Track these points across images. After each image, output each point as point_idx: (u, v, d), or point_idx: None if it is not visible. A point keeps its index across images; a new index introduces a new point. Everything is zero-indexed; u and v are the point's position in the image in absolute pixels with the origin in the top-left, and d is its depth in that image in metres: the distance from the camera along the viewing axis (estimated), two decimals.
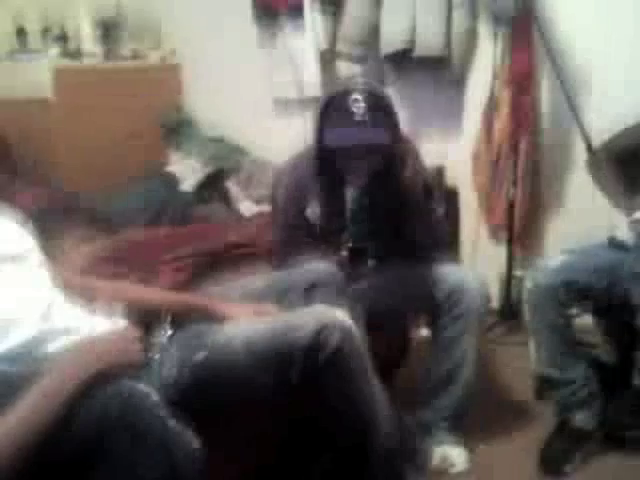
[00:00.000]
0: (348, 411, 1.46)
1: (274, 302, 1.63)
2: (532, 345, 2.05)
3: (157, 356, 1.46)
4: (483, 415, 2.16)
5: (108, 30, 3.44)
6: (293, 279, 1.72)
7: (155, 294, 1.66)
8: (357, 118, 1.82)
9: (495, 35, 2.82)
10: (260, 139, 3.35)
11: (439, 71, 2.90)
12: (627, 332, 1.98)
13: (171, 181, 3.22)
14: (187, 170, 3.28)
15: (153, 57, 3.60)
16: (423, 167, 2.00)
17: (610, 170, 2.21)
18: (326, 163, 1.93)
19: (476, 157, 2.93)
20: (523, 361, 2.27)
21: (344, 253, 2.00)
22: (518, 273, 2.84)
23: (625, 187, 2.17)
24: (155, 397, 1.22)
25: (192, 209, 3.06)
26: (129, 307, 1.51)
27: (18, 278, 1.39)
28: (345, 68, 3.10)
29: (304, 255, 1.91)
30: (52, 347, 1.33)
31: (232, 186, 3.19)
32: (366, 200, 2.01)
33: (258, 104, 3.40)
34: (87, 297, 1.50)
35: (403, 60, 2.89)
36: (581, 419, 2.01)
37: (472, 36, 2.89)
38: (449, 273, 1.98)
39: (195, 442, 1.24)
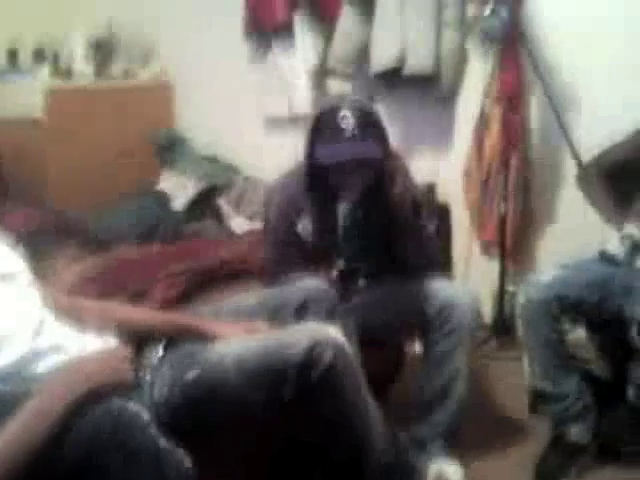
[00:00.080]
0: (342, 428, 1.45)
1: (266, 319, 1.62)
2: (525, 360, 2.05)
3: (148, 376, 1.45)
4: (477, 430, 2.15)
5: (100, 49, 3.45)
6: (285, 296, 1.71)
7: (144, 315, 1.64)
8: (347, 134, 1.83)
9: (485, 53, 2.85)
10: (251, 157, 3.37)
11: (429, 89, 2.92)
12: (620, 347, 1.98)
13: (162, 199, 3.22)
14: (178, 188, 3.29)
15: (144, 76, 3.62)
16: (413, 184, 2.01)
17: (600, 185, 2.22)
18: (317, 180, 1.94)
19: (467, 174, 2.95)
20: (516, 376, 2.26)
21: (335, 274, 2.00)
22: (510, 288, 2.85)
23: (615, 202, 2.19)
24: (146, 416, 1.21)
25: (184, 226, 3.06)
26: (119, 327, 1.50)
27: (8, 296, 1.38)
28: (335, 86, 3.13)
29: (296, 272, 1.91)
30: (42, 366, 1.32)
31: (224, 204, 3.19)
32: (358, 216, 2.02)
33: (249, 122, 3.41)
34: (76, 317, 1.49)
35: (393, 77, 2.91)
36: (576, 433, 2.00)
37: (462, 54, 2.92)
38: (440, 289, 1.98)
39: (186, 461, 1.23)
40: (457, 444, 1.99)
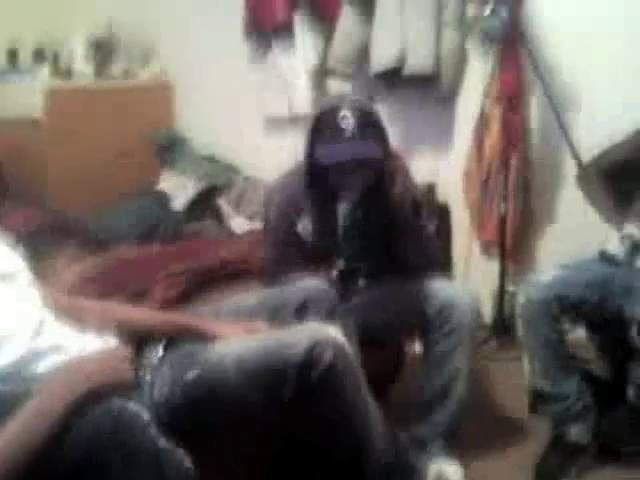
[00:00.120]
0: (342, 428, 1.45)
1: (266, 320, 1.62)
2: (525, 360, 2.05)
3: (148, 376, 1.45)
4: (477, 430, 2.15)
5: (100, 49, 3.45)
6: (285, 296, 1.71)
7: (144, 315, 1.64)
8: (347, 134, 1.84)
9: (485, 53, 2.85)
10: (251, 157, 3.37)
11: (429, 89, 2.92)
12: (620, 347, 1.98)
13: (162, 199, 3.22)
14: (178, 188, 3.29)
15: (144, 76, 3.61)
16: (413, 184, 2.01)
17: (600, 185, 2.23)
18: (317, 179, 1.94)
19: (467, 174, 2.95)
20: (516, 376, 2.26)
21: (335, 274, 2.00)
22: (511, 288, 2.85)
23: (615, 202, 2.19)
24: (146, 416, 1.21)
25: (184, 226, 3.06)
26: (118, 327, 1.50)
27: (8, 296, 1.38)
28: (335, 86, 3.13)
29: (296, 272, 1.91)
30: (42, 366, 1.32)
31: (224, 204, 3.19)
32: (358, 216, 2.02)
33: (249, 122, 3.41)
34: (76, 317, 1.49)
35: (393, 77, 2.91)
36: (576, 433, 2.00)
37: (462, 54, 2.92)
38: (440, 289, 1.98)
39: (186, 461, 1.23)
40: (457, 444, 1.99)
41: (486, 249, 3.02)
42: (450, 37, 2.86)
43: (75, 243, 2.65)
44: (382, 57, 2.88)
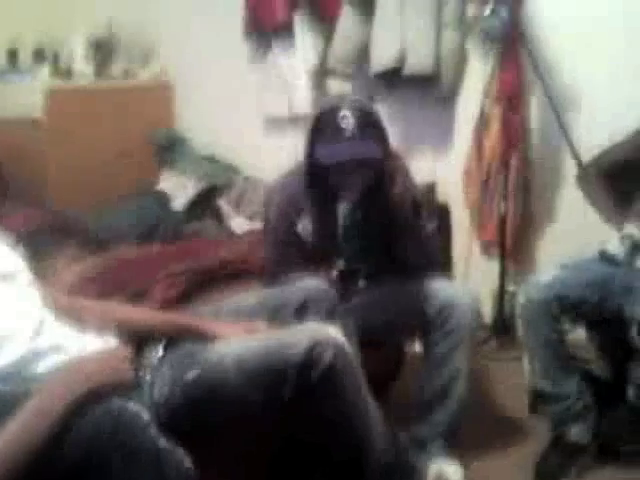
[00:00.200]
0: (342, 428, 1.45)
1: (266, 320, 1.62)
2: (525, 360, 2.05)
3: (148, 376, 1.45)
4: (477, 430, 2.15)
5: (100, 49, 3.45)
6: (285, 296, 1.71)
7: (144, 315, 1.64)
8: (347, 134, 1.84)
9: (485, 53, 2.85)
10: (251, 157, 3.37)
11: (429, 89, 2.92)
12: (620, 347, 1.98)
13: (162, 199, 3.22)
14: (178, 188, 3.29)
15: (144, 76, 3.61)
16: (413, 184, 2.01)
17: (600, 185, 2.23)
18: (317, 179, 1.94)
19: (467, 173, 2.95)
20: (516, 376, 2.26)
21: (335, 274, 2.00)
22: (511, 288, 2.85)
23: (615, 202, 2.19)
24: (146, 416, 1.21)
25: (184, 226, 3.06)
26: (118, 327, 1.50)
27: (8, 296, 1.38)
28: (335, 86, 3.13)
29: (296, 272, 1.91)
30: (42, 366, 1.32)
31: (224, 204, 3.19)
32: (358, 216, 2.02)
33: (249, 122, 3.41)
34: (76, 317, 1.49)
35: (393, 78, 2.91)
36: (576, 433, 2.00)
37: (462, 54, 2.92)
38: (440, 289, 1.98)
39: (186, 461, 1.23)
40: (457, 444, 1.99)
41: (486, 249, 3.02)
42: (450, 37, 2.86)
43: (75, 243, 2.65)
44: (382, 57, 2.88)
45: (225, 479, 1.47)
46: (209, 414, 1.42)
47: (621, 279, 1.97)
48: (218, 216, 3.17)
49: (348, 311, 1.84)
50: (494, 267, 2.89)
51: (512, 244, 2.88)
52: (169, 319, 1.63)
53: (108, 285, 2.21)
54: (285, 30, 3.15)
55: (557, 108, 2.64)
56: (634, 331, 1.85)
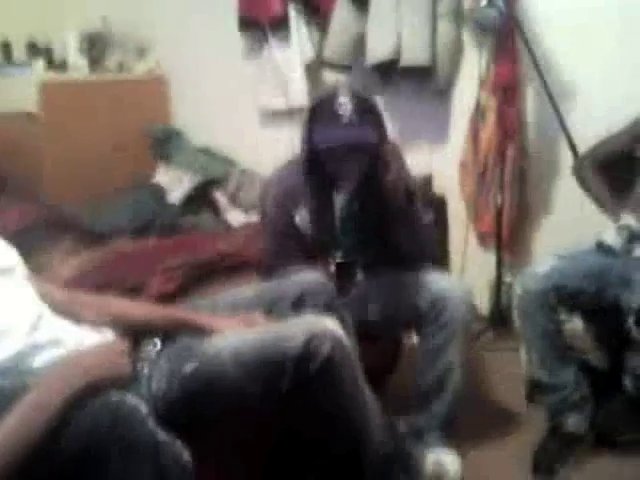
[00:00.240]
0: (340, 420, 1.45)
1: (263, 312, 1.62)
2: (523, 350, 2.06)
3: (146, 370, 1.45)
4: (475, 421, 2.16)
5: (94, 43, 3.44)
6: (282, 289, 1.71)
7: (140, 309, 1.63)
8: (344, 120, 1.85)
9: (480, 45, 2.84)
10: (247, 150, 3.36)
11: (425, 81, 2.91)
12: (617, 337, 1.99)
13: (158, 192, 3.21)
14: (174, 181, 3.28)
15: (139, 69, 3.60)
16: (407, 172, 2.00)
17: (596, 176, 2.23)
18: (315, 166, 1.94)
19: (463, 165, 2.94)
20: (514, 367, 2.27)
21: (332, 268, 2.00)
22: (507, 279, 2.85)
23: (611, 193, 2.19)
24: (144, 409, 1.21)
25: (180, 220, 3.06)
26: (116, 322, 1.50)
27: (6, 290, 1.38)
28: (331, 78, 3.12)
29: (294, 265, 1.91)
30: (40, 360, 1.32)
31: (220, 197, 3.19)
32: (355, 207, 2.02)
33: (245, 115, 3.40)
34: (73, 312, 1.49)
35: (389, 70, 2.90)
36: (573, 423, 2.01)
37: (457, 46, 2.91)
38: (432, 281, 1.98)
39: (185, 453, 1.24)
40: (454, 434, 2.00)
41: (483, 240, 3.02)
42: (446, 29, 2.85)
43: (71, 237, 2.64)
44: (378, 49, 2.87)
45: (223, 472, 1.48)
46: (207, 407, 1.42)
47: (618, 270, 1.98)
48: (214, 209, 3.16)
49: (345, 304, 1.83)
50: (491, 258, 2.89)
51: (508, 235, 2.88)
52: (166, 313, 1.62)
53: (104, 279, 2.20)
54: (280, 23, 3.14)
55: (553, 99, 2.64)
56: (631, 321, 1.85)
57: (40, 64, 3.33)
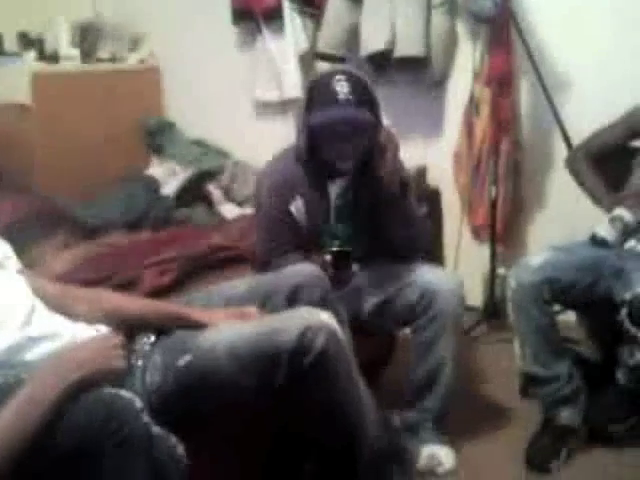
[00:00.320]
0: (334, 413, 1.45)
1: (257, 305, 1.62)
2: (516, 343, 2.06)
3: (140, 363, 1.45)
4: (468, 414, 2.17)
5: (86, 33, 3.41)
6: (277, 283, 1.71)
7: (134, 303, 1.62)
8: (342, 97, 1.86)
9: (475, 36, 2.84)
10: (241, 141, 3.35)
11: (419, 72, 2.90)
12: (610, 329, 1.99)
13: (152, 184, 3.20)
14: (168, 173, 3.27)
15: (132, 60, 3.57)
16: (401, 163, 2.00)
17: (590, 168, 2.23)
18: (313, 153, 1.93)
19: (457, 157, 2.94)
20: (507, 359, 2.28)
21: (328, 257, 1.99)
22: (501, 272, 2.85)
23: (605, 185, 2.19)
24: (138, 403, 1.21)
25: (174, 212, 3.05)
26: (109, 315, 1.49)
27: (0, 284, 1.38)
28: (325, 69, 3.10)
29: (288, 257, 1.91)
30: (34, 354, 1.31)
31: (214, 189, 3.18)
32: (350, 197, 2.02)
33: (239, 106, 3.39)
34: (66, 305, 1.48)
35: (383, 61, 2.89)
36: (566, 416, 2.02)
37: (452, 37, 2.90)
38: (420, 274, 1.98)
39: (179, 447, 1.24)
40: (448, 428, 2.01)
41: (477, 233, 3.02)
42: (440, 20, 2.84)
43: (64, 230, 2.63)
44: (372, 40, 2.86)
45: (218, 466, 1.48)
46: (201, 400, 1.42)
47: (611, 262, 1.98)
48: (208, 202, 3.15)
49: (340, 298, 1.83)
50: (485, 251, 2.89)
51: (503, 228, 2.88)
52: (159, 308, 1.62)
53: (97, 273, 2.20)
54: (274, 14, 3.12)
55: (548, 91, 2.63)
56: (623, 314, 1.86)
57: (32, 55, 3.30)
